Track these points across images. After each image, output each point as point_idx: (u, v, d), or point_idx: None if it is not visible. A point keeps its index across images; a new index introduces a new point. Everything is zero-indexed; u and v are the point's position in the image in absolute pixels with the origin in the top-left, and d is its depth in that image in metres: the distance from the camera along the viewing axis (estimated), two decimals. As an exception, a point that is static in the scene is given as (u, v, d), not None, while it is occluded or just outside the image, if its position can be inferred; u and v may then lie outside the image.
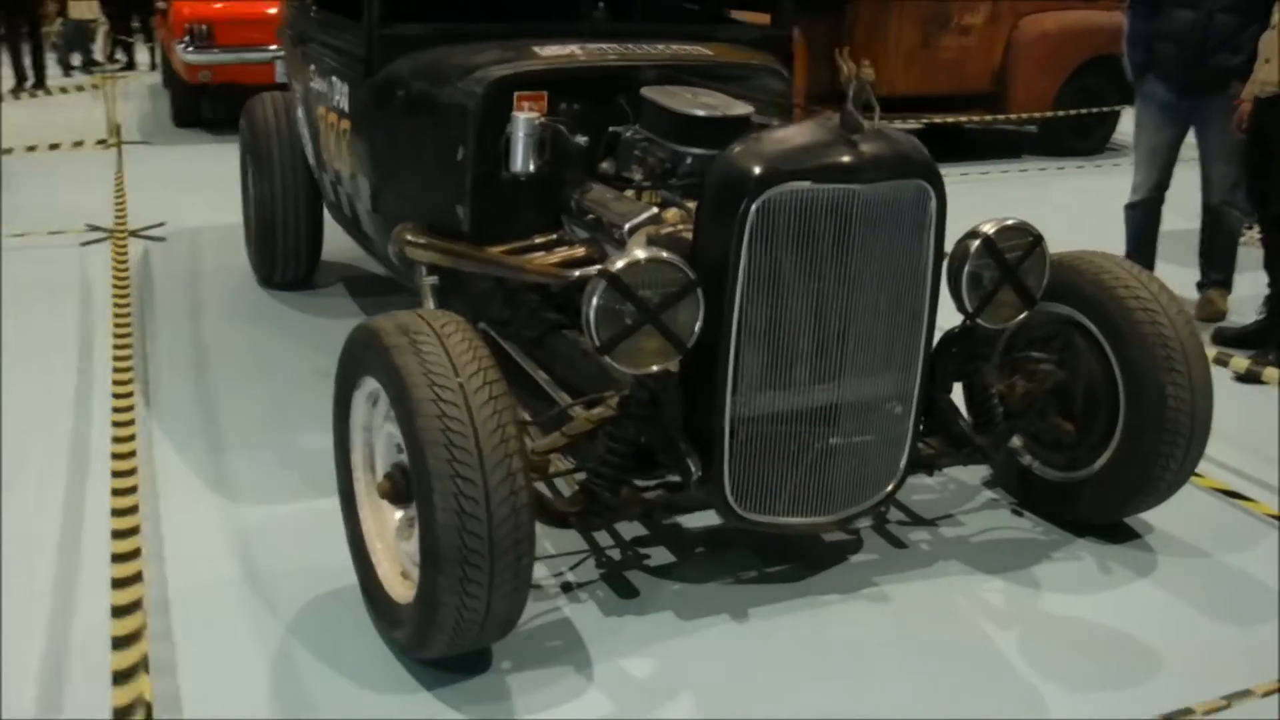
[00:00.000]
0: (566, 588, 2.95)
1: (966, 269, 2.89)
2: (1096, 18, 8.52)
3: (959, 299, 2.92)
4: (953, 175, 5.61)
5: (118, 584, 2.70)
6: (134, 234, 5.99)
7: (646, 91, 3.37)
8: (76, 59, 11.49)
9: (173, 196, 6.76)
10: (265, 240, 5.03)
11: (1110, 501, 3.17)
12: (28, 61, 10.61)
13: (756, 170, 2.58)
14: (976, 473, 3.53)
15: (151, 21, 11.51)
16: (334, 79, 4.15)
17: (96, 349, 4.35)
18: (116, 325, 4.57)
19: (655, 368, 2.58)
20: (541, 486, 2.74)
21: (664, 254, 2.59)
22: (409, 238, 3.66)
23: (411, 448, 2.36)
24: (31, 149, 7.66)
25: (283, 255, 5.02)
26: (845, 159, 2.60)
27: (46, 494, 3.36)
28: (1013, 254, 2.94)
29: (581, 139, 3.46)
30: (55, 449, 3.63)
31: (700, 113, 3.19)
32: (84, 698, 2.50)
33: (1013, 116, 8.76)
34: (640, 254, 2.56)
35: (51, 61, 11.63)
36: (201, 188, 6.90)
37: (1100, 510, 3.21)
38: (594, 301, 2.50)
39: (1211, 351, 3.69)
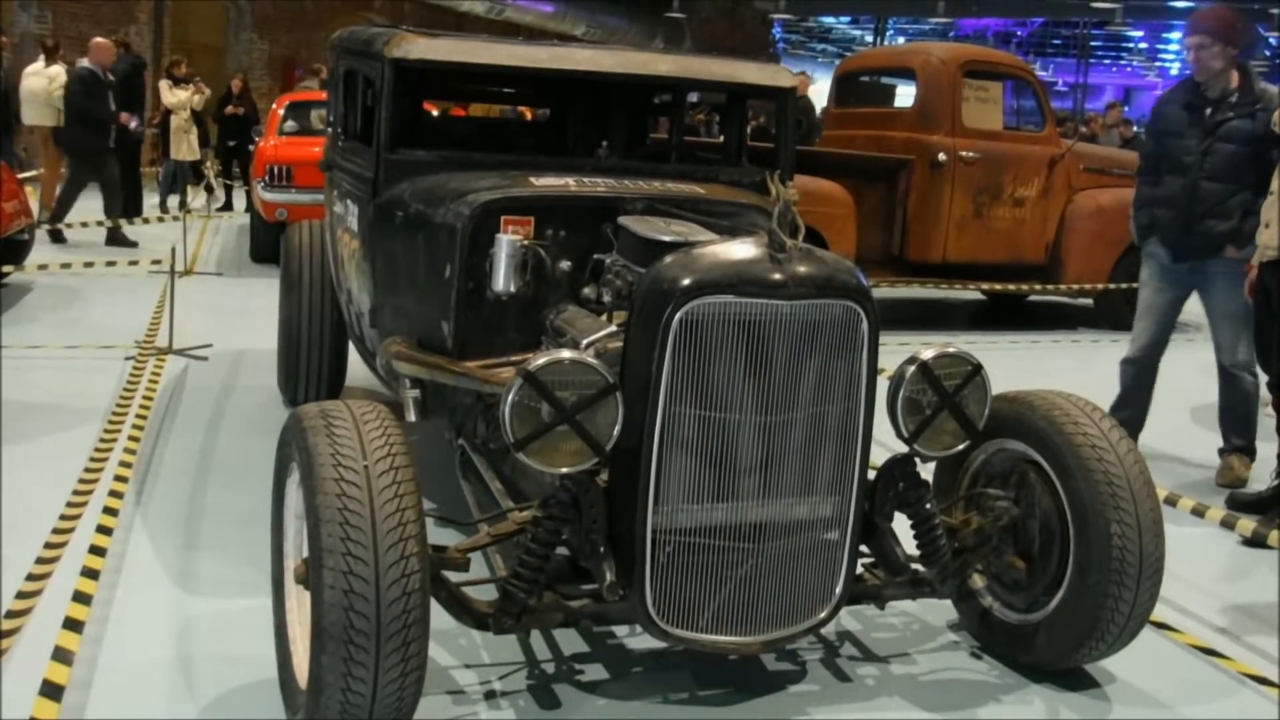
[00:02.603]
0: (490, 695, 2.93)
1: (902, 393, 2.90)
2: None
3: (895, 424, 2.92)
4: (1002, 343, 5.60)
5: (57, 655, 2.81)
6: (178, 352, 6.26)
7: (623, 220, 3.50)
8: (173, 200, 12.23)
9: (227, 321, 7.09)
10: (290, 359, 5.22)
11: (1063, 645, 3.05)
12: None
13: (681, 281, 2.65)
14: (942, 614, 3.44)
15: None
16: (349, 201, 4.38)
17: (111, 454, 4.51)
18: (133, 430, 4.77)
19: (567, 469, 2.62)
20: (484, 591, 2.76)
21: (585, 357, 2.65)
22: (394, 350, 3.80)
23: (310, 523, 2.42)
24: (98, 265, 8.09)
25: (305, 374, 5.19)
26: (769, 275, 2.66)
27: (21, 566, 3.46)
28: (951, 381, 2.94)
29: (565, 264, 3.60)
30: (41, 528, 3.75)
31: (666, 238, 3.29)
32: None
33: (1064, 288, 8.75)
34: (558, 355, 2.63)
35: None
36: (256, 315, 7.19)
37: (1054, 654, 3.10)
38: (509, 398, 2.57)
39: (1219, 514, 3.58)
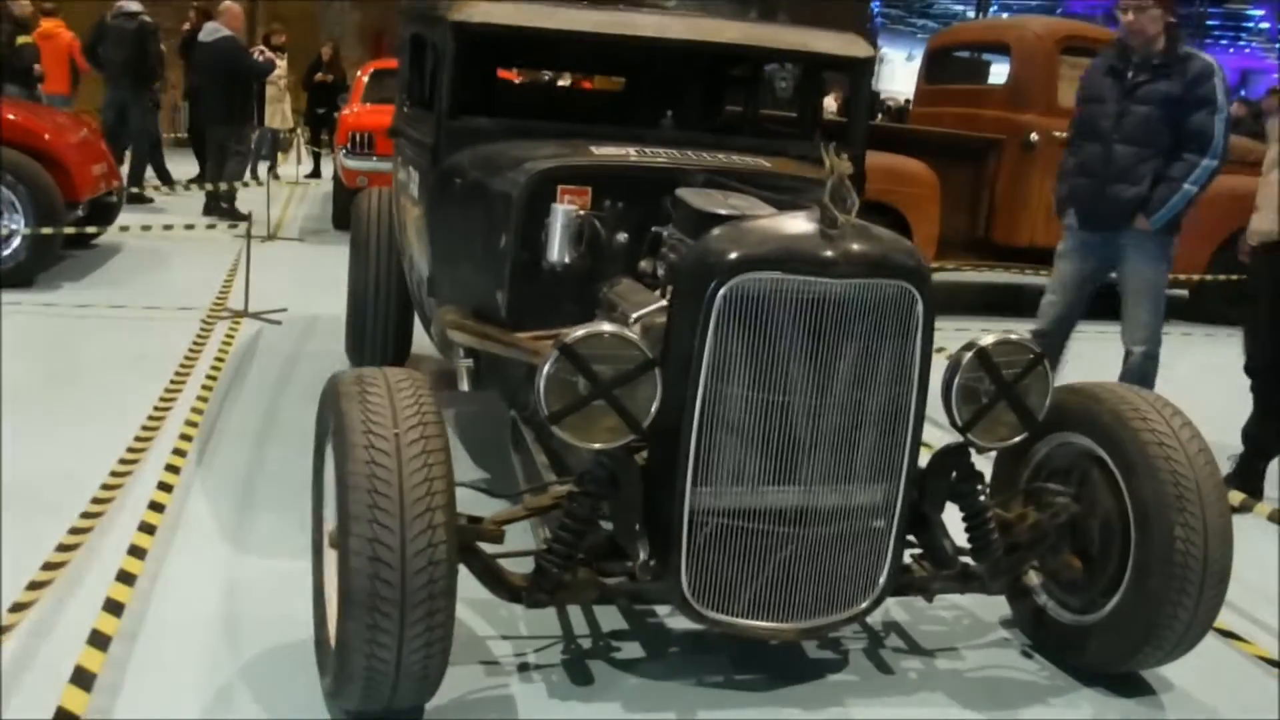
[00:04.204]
0: (524, 668, 2.91)
1: (957, 381, 2.79)
2: (1254, 184, 8.18)
3: (950, 412, 2.81)
4: (1089, 332, 5.39)
5: (108, 607, 2.87)
6: (254, 316, 6.36)
7: (680, 191, 3.42)
8: (264, 167, 12.42)
9: (305, 287, 7.17)
10: (357, 326, 5.25)
11: (1118, 650, 2.93)
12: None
13: (726, 256, 2.58)
14: (995, 610, 3.33)
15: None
16: (411, 168, 4.38)
17: (175, 413, 4.59)
18: (202, 391, 4.85)
19: (600, 445, 2.58)
20: (510, 563, 2.73)
21: (624, 331, 2.60)
22: (449, 319, 3.78)
23: (339, 490, 2.41)
24: (173, 228, 8.25)
25: (372, 341, 5.22)
26: (820, 252, 2.57)
27: (82, 522, 3.53)
28: (1010, 370, 2.82)
29: (622, 235, 3.54)
30: (91, 483, 3.82)
31: (721, 211, 3.21)
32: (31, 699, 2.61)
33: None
34: (597, 328, 2.58)
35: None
36: (333, 282, 7.22)
37: (1108, 659, 2.97)
38: (545, 370, 2.53)
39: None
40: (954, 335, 5.09)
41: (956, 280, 9.11)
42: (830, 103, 14.94)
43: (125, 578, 3.07)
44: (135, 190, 9.97)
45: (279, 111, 12.36)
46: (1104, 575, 2.97)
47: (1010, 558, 3.00)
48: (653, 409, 2.59)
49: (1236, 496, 3.68)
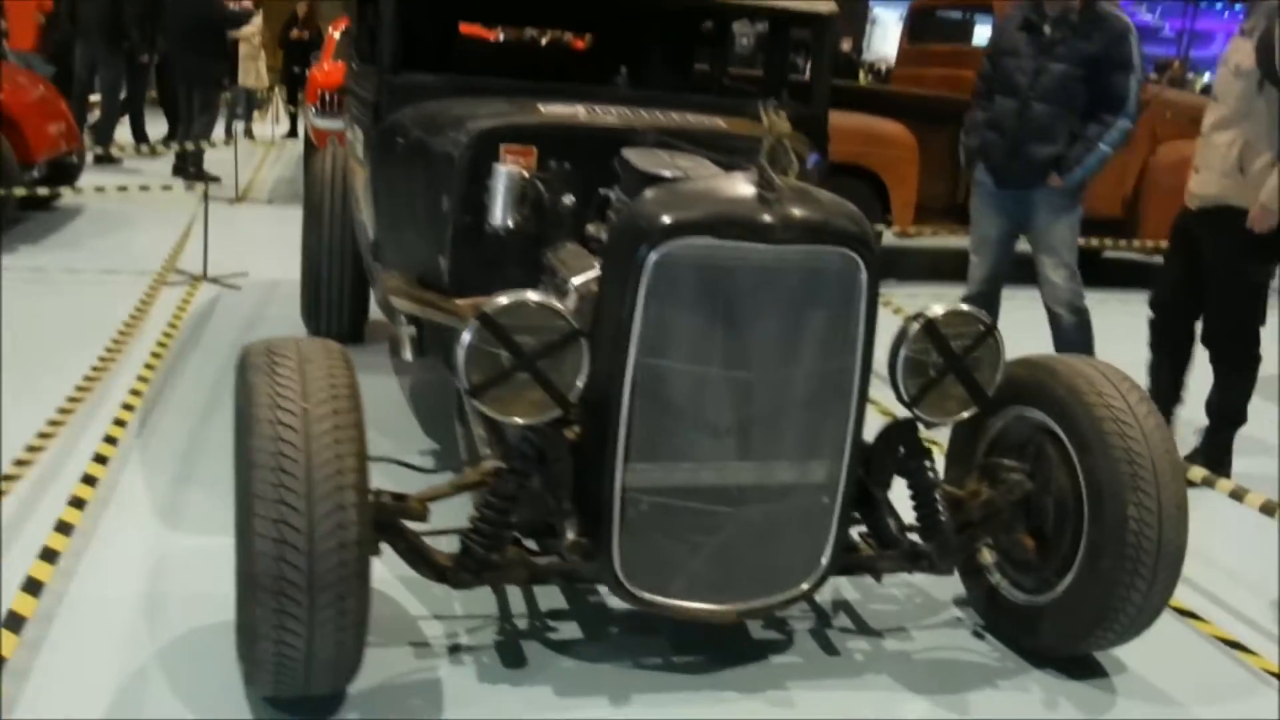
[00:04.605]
0: (455, 649, 2.80)
1: (904, 353, 2.68)
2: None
3: (896, 385, 2.70)
4: (1020, 298, 5.24)
5: (27, 586, 2.77)
6: (212, 280, 6.21)
7: (625, 152, 3.28)
8: (239, 126, 12.20)
9: (268, 251, 7.00)
10: (311, 291, 5.12)
11: (1069, 632, 2.84)
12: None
13: (657, 220, 2.46)
14: (950, 588, 3.23)
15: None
16: (357, 128, 4.23)
17: (119, 382, 4.46)
18: (151, 359, 4.72)
19: (524, 419, 2.46)
20: (448, 542, 2.63)
21: (550, 300, 2.48)
22: (391, 284, 3.65)
23: (240, 467, 2.29)
24: (118, 190, 8.06)
25: (327, 307, 5.10)
26: (756, 216, 2.44)
27: (11, 493, 3.42)
28: (960, 342, 2.71)
29: (569, 198, 3.39)
30: (35, 460, 3.70)
31: (665, 173, 3.07)
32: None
33: (1140, 244, 8.30)
34: (520, 297, 2.46)
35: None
36: (299, 245, 7.13)
37: (1060, 641, 2.88)
38: (465, 340, 2.41)
39: (1259, 498, 3.30)
40: (932, 303, 5.00)
41: (936, 246, 8.96)
42: (817, 64, 14.74)
43: (48, 555, 2.96)
44: (101, 151, 9.78)
45: (253, 69, 12.11)
46: (1057, 555, 2.86)
47: (961, 536, 2.90)
48: (579, 382, 2.47)
49: (1199, 473, 3.58)
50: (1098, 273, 8.99)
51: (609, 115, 3.59)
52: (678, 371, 2.50)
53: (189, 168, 9.52)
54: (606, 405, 2.50)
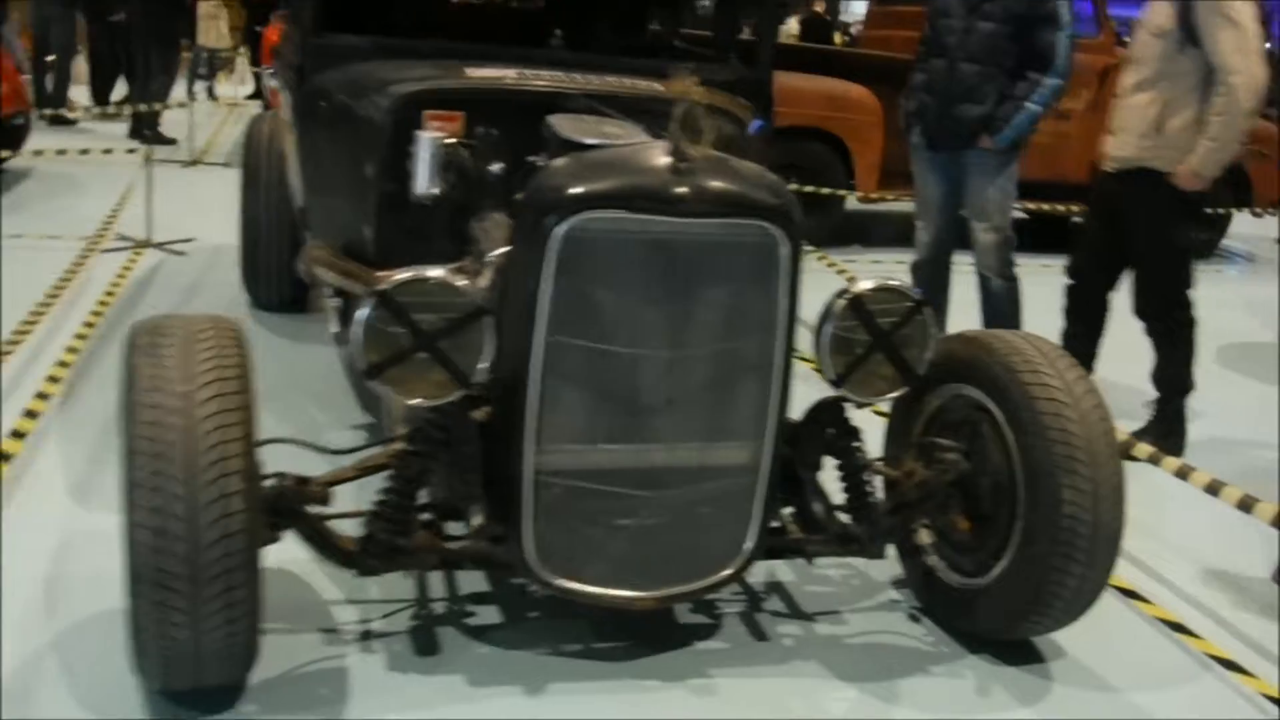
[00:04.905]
0: (366, 635, 2.70)
1: (829, 330, 2.57)
2: (786, 81, 7.81)
3: (821, 364, 2.59)
4: (1033, 266, 5.17)
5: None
6: (157, 246, 6.06)
7: (551, 117, 3.14)
8: (201, 87, 11.95)
9: (219, 215, 6.80)
10: (250, 258, 4.99)
11: (1003, 616, 2.75)
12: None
13: (564, 191, 2.34)
14: (889, 570, 3.13)
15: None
16: (287, 91, 4.08)
17: (48, 352, 4.32)
18: (82, 329, 4.57)
19: (423, 400, 2.35)
20: (368, 527, 2.50)
21: (450, 276, 2.36)
22: (315, 254, 3.52)
23: (123, 455, 2.17)
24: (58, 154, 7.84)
25: (265, 275, 4.96)
26: (669, 188, 2.32)
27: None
28: (888, 319, 2.60)
29: (498, 165, 3.26)
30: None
31: (588, 140, 2.94)
32: None
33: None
34: (421, 273, 2.33)
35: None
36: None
37: (994, 625, 2.79)
38: (361, 318, 2.28)
39: (1205, 477, 3.20)
40: (900, 271, 4.91)
41: (902, 211, 8.83)
42: (793, 25, 14.56)
43: (-50, 535, 2.85)
44: (52, 111, 9.57)
45: (213, 28, 11.84)
46: (993, 537, 2.77)
47: (893, 518, 2.81)
48: (483, 362, 2.36)
49: (1145, 450, 3.50)
50: (1066, 239, 8.92)
51: (540, 79, 3.45)
52: (589, 350, 2.38)
53: (144, 130, 9.30)
54: (516, 385, 2.39)
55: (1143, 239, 4.18)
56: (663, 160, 2.35)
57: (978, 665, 2.79)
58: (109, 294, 5.11)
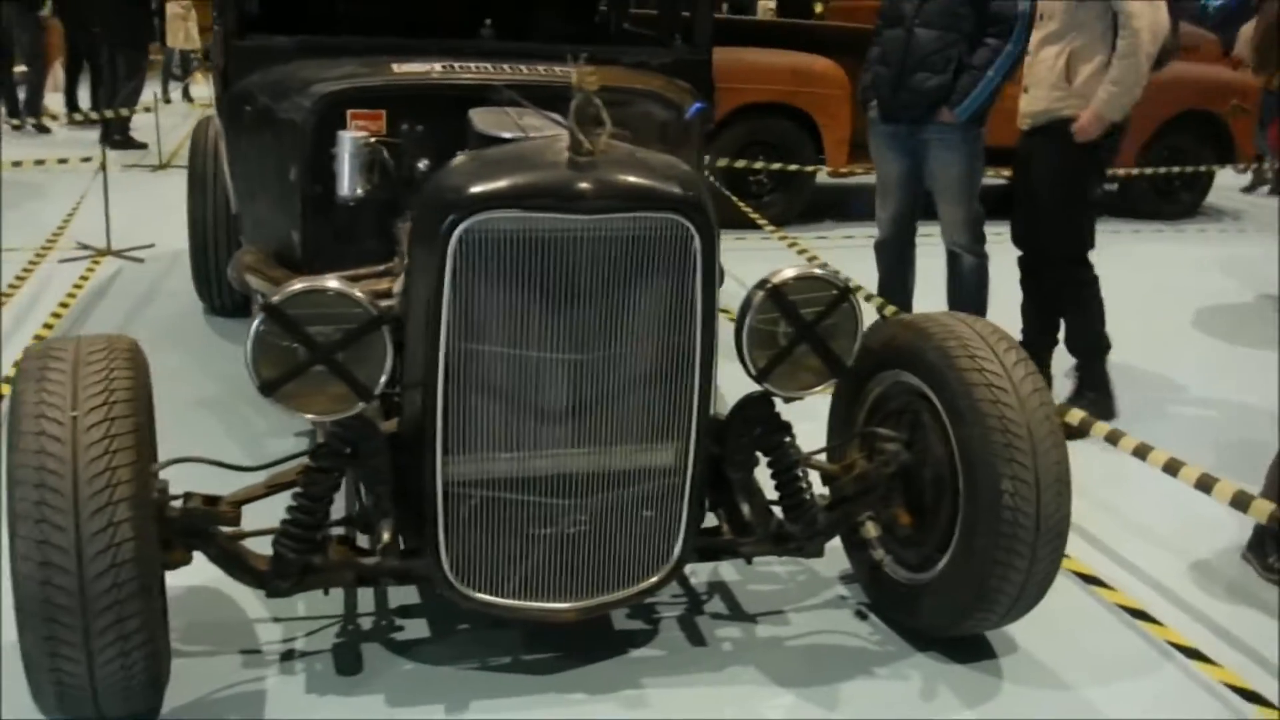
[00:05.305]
0: (288, 655, 2.62)
1: (748, 323, 2.46)
2: (1186, 70, 7.75)
3: (742, 358, 2.49)
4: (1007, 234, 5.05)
5: None
6: (115, 253, 5.97)
7: (473, 112, 3.04)
8: (174, 88, 11.84)
9: (179, 220, 6.74)
10: (200, 263, 4.90)
11: (949, 612, 2.65)
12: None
13: (460, 192, 2.24)
14: (836, 564, 3.03)
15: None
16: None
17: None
18: (32, 341, 4.48)
19: (319, 415, 2.26)
20: (275, 546, 2.40)
21: (344, 286, 2.26)
22: (244, 260, 3.43)
23: (7, 485, 2.08)
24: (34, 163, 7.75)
25: (215, 279, 4.87)
26: (567, 184, 2.22)
27: None
28: (811, 309, 2.49)
29: (423, 163, 3.15)
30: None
31: (506, 134, 2.84)
32: None
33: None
34: (310, 284, 2.24)
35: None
36: (215, 213, 6.87)
37: (941, 621, 2.70)
38: (252, 332, 2.19)
39: (1163, 456, 3.08)
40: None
41: (872, 184, 8.72)
42: (769, 2, 14.36)
43: None
44: (35, 121, 9.48)
45: (182, 30, 11.67)
46: (936, 530, 2.67)
47: (833, 513, 2.71)
48: (383, 374, 2.27)
49: (1077, 414, 3.42)
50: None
51: (468, 72, 3.34)
52: (496, 355, 2.29)
53: (114, 135, 9.21)
54: (422, 394, 2.30)
55: (1045, 190, 4.10)
56: (560, 155, 2.25)
57: (924, 664, 2.69)
58: (63, 305, 5.01)
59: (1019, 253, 4.35)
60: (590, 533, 2.43)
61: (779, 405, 2.61)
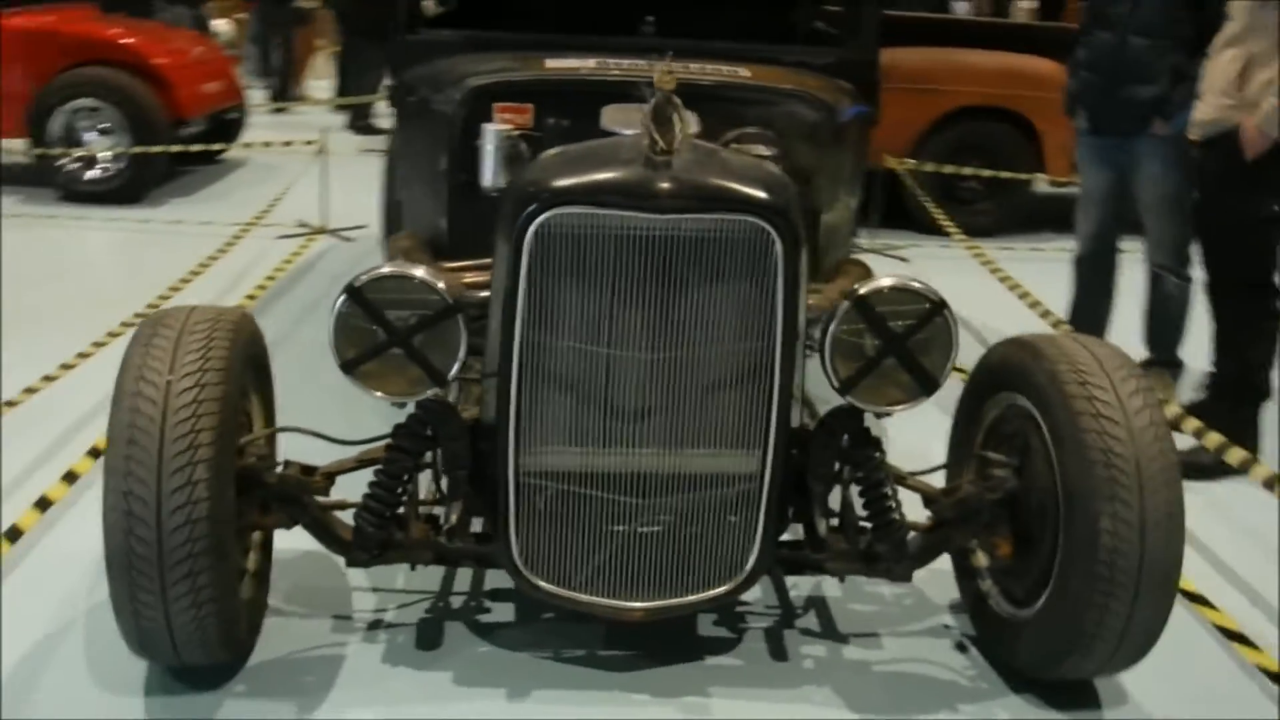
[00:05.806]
0: (375, 625, 2.72)
1: (830, 333, 2.38)
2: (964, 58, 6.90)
3: (825, 368, 2.41)
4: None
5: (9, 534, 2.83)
6: (330, 232, 6.35)
7: (606, 109, 3.07)
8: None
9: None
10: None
11: (1045, 655, 2.48)
12: None
13: (537, 187, 2.27)
14: (948, 591, 2.89)
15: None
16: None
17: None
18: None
19: (396, 396, 2.34)
20: (355, 519, 2.51)
21: (423, 273, 2.33)
22: (399, 245, 3.58)
23: (106, 439, 2.26)
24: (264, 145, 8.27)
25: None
26: (643, 183, 2.21)
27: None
28: (902, 322, 2.38)
29: None
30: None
31: (624, 130, 2.84)
32: None
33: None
34: (394, 269, 2.32)
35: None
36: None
37: (1037, 663, 2.52)
38: (333, 313, 2.29)
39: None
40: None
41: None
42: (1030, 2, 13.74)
43: (42, 504, 3.03)
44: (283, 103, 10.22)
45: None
46: (1038, 564, 2.50)
47: (927, 538, 2.59)
48: (456, 361, 2.32)
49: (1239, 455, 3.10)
50: None
51: (618, 68, 3.37)
52: (568, 349, 2.31)
53: (358, 121, 9.78)
54: (499, 384, 2.35)
55: (1214, 208, 3.73)
56: (638, 153, 2.24)
57: (1016, 706, 2.53)
58: (269, 278, 5.38)
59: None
60: (663, 534, 2.41)
61: (869, 420, 2.52)
